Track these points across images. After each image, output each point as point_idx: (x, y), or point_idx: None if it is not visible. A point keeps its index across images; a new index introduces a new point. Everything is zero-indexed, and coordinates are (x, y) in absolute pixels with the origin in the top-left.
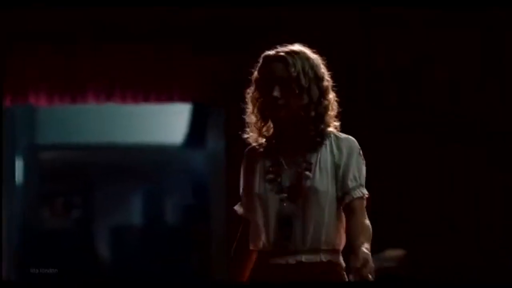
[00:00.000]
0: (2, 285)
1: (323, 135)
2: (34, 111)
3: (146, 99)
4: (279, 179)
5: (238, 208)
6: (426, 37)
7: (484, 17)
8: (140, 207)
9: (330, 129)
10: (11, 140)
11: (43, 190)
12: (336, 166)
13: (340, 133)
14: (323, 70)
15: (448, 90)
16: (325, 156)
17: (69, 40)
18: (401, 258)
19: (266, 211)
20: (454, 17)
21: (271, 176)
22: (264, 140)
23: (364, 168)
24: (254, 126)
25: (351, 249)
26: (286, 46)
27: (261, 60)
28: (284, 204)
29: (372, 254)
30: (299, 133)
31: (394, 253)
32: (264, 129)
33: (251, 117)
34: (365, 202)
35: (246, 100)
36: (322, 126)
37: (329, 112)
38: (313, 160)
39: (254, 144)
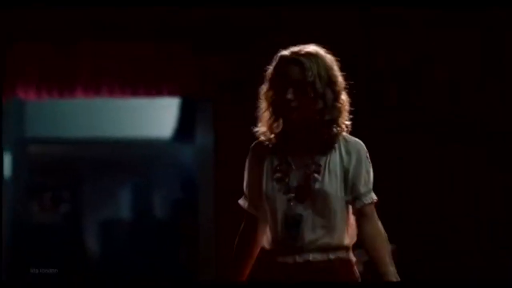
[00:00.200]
0: None
1: (335, 138)
2: (22, 105)
3: (135, 93)
4: (287, 179)
5: (243, 202)
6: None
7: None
8: (128, 201)
9: (343, 132)
10: None
11: (32, 184)
12: (345, 170)
13: (349, 136)
14: (337, 72)
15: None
16: (334, 159)
17: (59, 34)
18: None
19: (274, 211)
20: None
21: (278, 175)
22: (272, 135)
23: (372, 172)
24: (266, 121)
25: (372, 261)
26: (302, 46)
27: (277, 59)
28: (291, 204)
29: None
30: (310, 135)
31: None
32: (275, 125)
33: (264, 113)
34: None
35: (260, 95)
36: (335, 130)
37: (342, 115)
38: (322, 162)
39: (262, 138)
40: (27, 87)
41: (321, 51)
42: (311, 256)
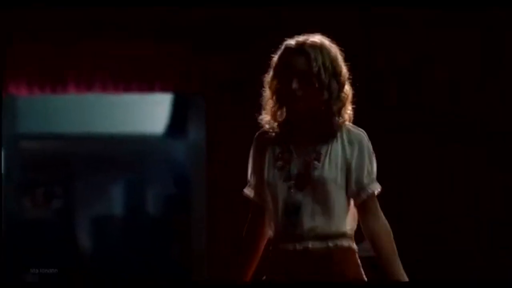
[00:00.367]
0: None
1: (338, 128)
2: (14, 101)
3: (127, 89)
4: (288, 167)
5: (248, 192)
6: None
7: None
8: (121, 197)
9: (345, 122)
10: None
11: (24, 180)
12: (346, 160)
13: (352, 126)
14: (341, 63)
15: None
16: (336, 148)
17: (52, 30)
18: None
19: (275, 198)
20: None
21: (280, 163)
22: (276, 124)
23: (375, 162)
24: (270, 109)
25: (378, 258)
26: (307, 36)
27: (282, 49)
28: (292, 192)
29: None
30: (313, 125)
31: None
32: (278, 113)
33: (268, 102)
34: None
35: (264, 83)
36: (339, 120)
37: (346, 105)
38: (323, 151)
39: (266, 126)
40: (19, 83)
41: (326, 41)
42: (311, 244)
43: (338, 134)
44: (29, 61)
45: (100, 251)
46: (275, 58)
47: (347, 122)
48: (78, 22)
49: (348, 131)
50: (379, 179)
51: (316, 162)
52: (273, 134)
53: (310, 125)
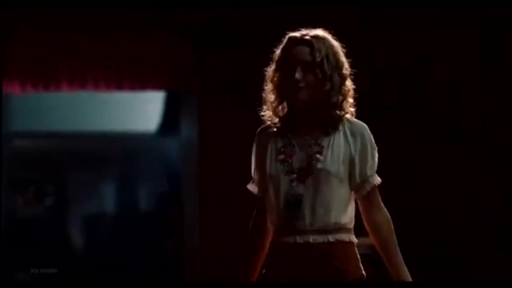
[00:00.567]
0: None
1: (339, 121)
2: (7, 99)
3: (119, 87)
4: (290, 160)
5: (252, 187)
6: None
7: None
8: (113, 195)
9: (347, 115)
10: None
11: (16, 178)
12: (349, 153)
13: (354, 119)
14: (343, 58)
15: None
16: (338, 141)
17: (44, 29)
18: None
19: (277, 191)
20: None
21: (282, 156)
22: (277, 119)
23: (376, 155)
24: (271, 104)
25: (384, 252)
26: (309, 30)
27: (285, 41)
28: (293, 185)
29: None
30: (314, 117)
31: (368, 240)
32: (279, 108)
33: (269, 96)
34: None
35: (265, 78)
36: (340, 113)
37: (348, 99)
38: (325, 144)
39: (268, 121)
40: (12, 81)
41: (328, 35)
42: (311, 238)
43: (340, 127)
44: (22, 60)
45: (92, 249)
46: (278, 51)
47: (348, 115)
48: (71, 21)
49: (350, 123)
50: (379, 178)
51: (318, 155)
52: (275, 128)
53: (312, 118)
